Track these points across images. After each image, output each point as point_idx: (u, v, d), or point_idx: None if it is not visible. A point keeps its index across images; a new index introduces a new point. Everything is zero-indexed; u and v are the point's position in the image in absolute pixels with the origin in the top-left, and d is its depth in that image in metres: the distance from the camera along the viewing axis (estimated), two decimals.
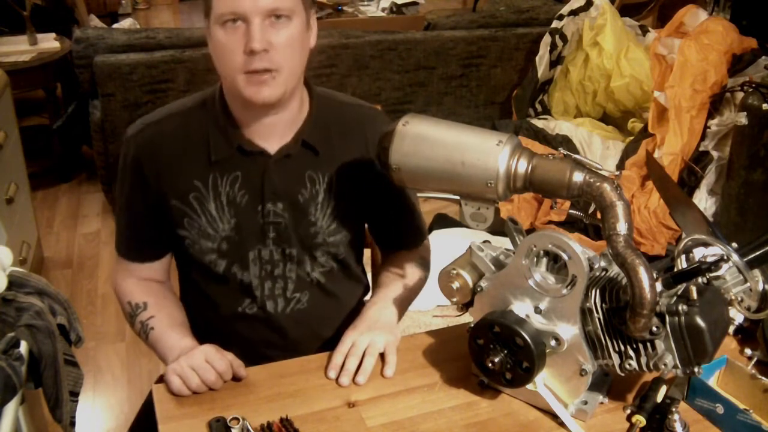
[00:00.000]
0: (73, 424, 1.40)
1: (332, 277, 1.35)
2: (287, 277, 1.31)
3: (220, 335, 1.37)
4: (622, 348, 1.02)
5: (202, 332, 1.43)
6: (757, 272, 1.18)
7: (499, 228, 1.13)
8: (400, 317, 1.32)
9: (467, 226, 1.15)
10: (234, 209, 1.26)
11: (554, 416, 1.07)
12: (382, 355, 1.19)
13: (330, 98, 1.32)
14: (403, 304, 1.33)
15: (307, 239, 1.29)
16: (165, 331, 1.26)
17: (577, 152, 3.33)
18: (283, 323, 1.33)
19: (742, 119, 2.69)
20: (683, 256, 1.21)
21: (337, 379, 1.15)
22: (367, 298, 1.53)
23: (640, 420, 1.04)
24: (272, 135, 1.24)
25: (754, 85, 2.76)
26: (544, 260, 1.05)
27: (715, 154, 2.95)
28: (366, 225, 1.42)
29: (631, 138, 3.37)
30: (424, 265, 1.41)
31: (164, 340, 1.25)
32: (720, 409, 1.06)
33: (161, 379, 1.33)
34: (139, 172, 1.26)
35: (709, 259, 1.14)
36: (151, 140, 1.26)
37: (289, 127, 1.25)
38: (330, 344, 1.26)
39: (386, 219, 1.39)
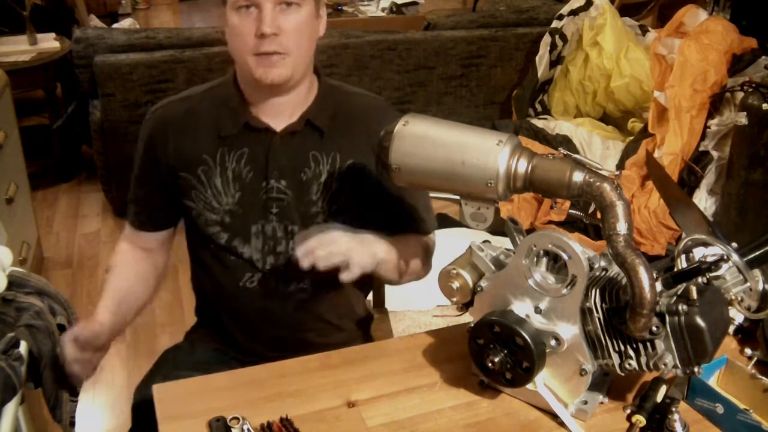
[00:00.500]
0: (73, 424, 1.40)
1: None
2: (290, 254, 1.33)
3: (224, 310, 1.42)
4: (622, 348, 1.02)
5: (207, 307, 1.49)
6: (757, 272, 1.18)
7: (499, 228, 1.13)
8: (387, 261, 1.28)
9: (467, 226, 1.15)
10: (239, 184, 1.31)
11: (554, 416, 1.07)
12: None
13: (338, 87, 1.39)
14: (393, 255, 1.29)
15: (308, 218, 1.32)
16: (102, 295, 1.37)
17: (577, 152, 3.33)
18: (283, 300, 1.35)
19: (742, 119, 2.69)
20: (683, 256, 1.21)
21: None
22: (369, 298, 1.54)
23: (640, 420, 1.04)
24: (280, 114, 1.31)
25: (754, 85, 2.76)
26: (544, 260, 1.05)
27: (715, 154, 2.95)
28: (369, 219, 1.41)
29: (631, 138, 3.37)
30: (427, 253, 1.40)
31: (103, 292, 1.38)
32: (720, 409, 1.06)
33: (155, 369, 1.36)
34: (152, 148, 1.35)
35: (709, 259, 1.14)
36: (164, 117, 1.35)
37: (296, 108, 1.31)
38: (329, 325, 1.28)
39: (390, 207, 1.39)
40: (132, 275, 1.41)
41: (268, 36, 1.20)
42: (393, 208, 1.40)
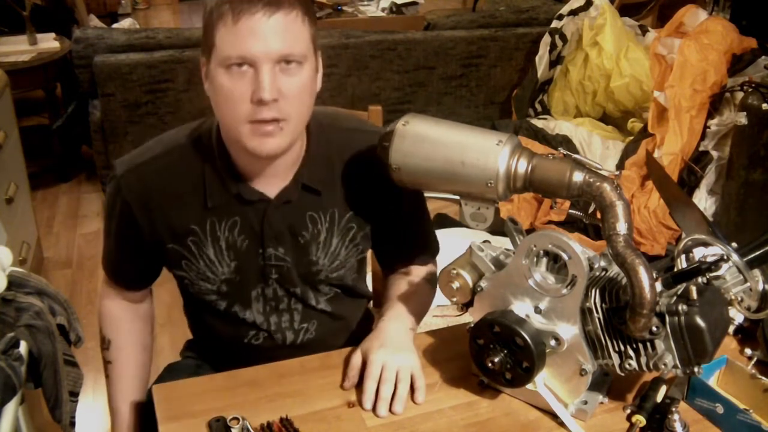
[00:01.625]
0: (73, 424, 1.40)
1: (338, 302, 1.31)
2: (293, 309, 1.28)
3: (227, 359, 1.33)
4: (622, 348, 1.02)
5: (209, 353, 1.42)
6: (757, 272, 1.18)
7: (499, 228, 1.13)
8: (413, 336, 1.22)
9: (467, 226, 1.15)
10: (234, 253, 1.21)
11: (554, 416, 1.07)
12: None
13: (329, 126, 1.23)
14: (415, 324, 1.25)
15: (309, 276, 1.25)
16: (113, 392, 1.33)
17: (577, 152, 3.33)
18: (292, 351, 1.28)
19: (742, 119, 2.69)
20: (683, 256, 1.21)
21: (373, 409, 1.08)
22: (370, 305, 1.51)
23: (640, 420, 1.04)
24: (272, 178, 1.18)
25: (754, 85, 2.76)
26: (544, 260, 1.05)
27: (715, 154, 2.95)
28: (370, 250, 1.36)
29: (631, 138, 3.37)
30: (432, 281, 1.35)
31: (111, 401, 1.34)
32: (720, 409, 1.06)
33: (160, 379, 1.34)
34: (129, 215, 1.20)
35: (709, 259, 1.14)
36: (141, 183, 1.18)
37: (288, 168, 1.18)
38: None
39: (392, 241, 1.32)
40: (134, 350, 1.34)
41: (268, 103, 1.03)
42: (399, 243, 1.33)
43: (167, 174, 1.18)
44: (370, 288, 1.49)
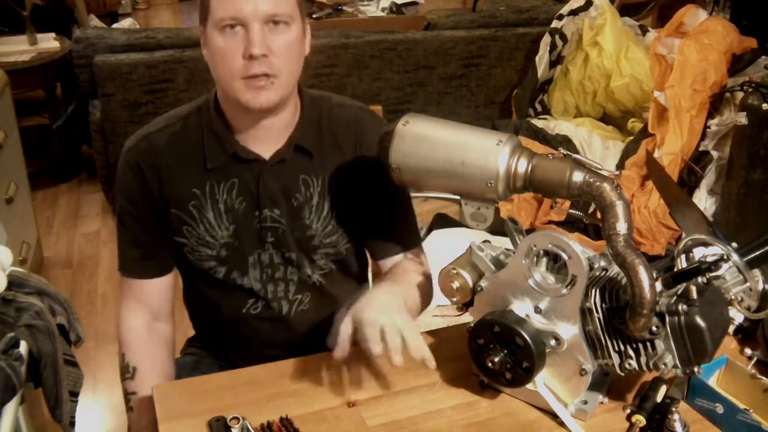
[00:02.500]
0: (73, 424, 1.40)
1: (332, 279, 1.34)
2: (289, 279, 1.31)
3: (224, 336, 1.38)
4: (622, 348, 1.02)
5: (206, 332, 1.45)
6: (757, 272, 1.18)
7: (499, 228, 1.13)
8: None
9: (467, 226, 1.15)
10: (232, 216, 1.26)
11: (554, 416, 1.07)
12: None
13: (322, 100, 1.32)
14: (412, 303, 1.22)
15: (304, 242, 1.29)
16: (138, 426, 1.28)
17: (577, 152, 3.33)
18: (287, 323, 1.33)
19: (742, 119, 2.69)
20: (683, 256, 1.21)
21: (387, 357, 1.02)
22: None
23: (640, 420, 1.04)
24: (266, 140, 1.25)
25: (754, 85, 2.76)
26: (544, 260, 1.05)
27: (715, 154, 2.95)
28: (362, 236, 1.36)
29: (631, 138, 3.37)
30: (428, 277, 1.32)
31: None
32: (720, 409, 1.06)
33: None
34: (141, 180, 1.26)
35: (709, 259, 1.14)
36: (150, 149, 1.26)
37: (282, 131, 1.25)
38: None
39: (378, 220, 1.35)
40: (157, 373, 1.31)
41: (258, 57, 1.12)
42: (384, 225, 1.35)
43: (172, 140, 1.26)
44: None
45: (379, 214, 1.34)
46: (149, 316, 1.33)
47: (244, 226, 1.26)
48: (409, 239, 1.37)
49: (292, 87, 1.22)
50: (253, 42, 1.12)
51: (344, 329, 1.08)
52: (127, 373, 1.30)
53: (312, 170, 1.27)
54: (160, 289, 1.34)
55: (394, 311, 1.08)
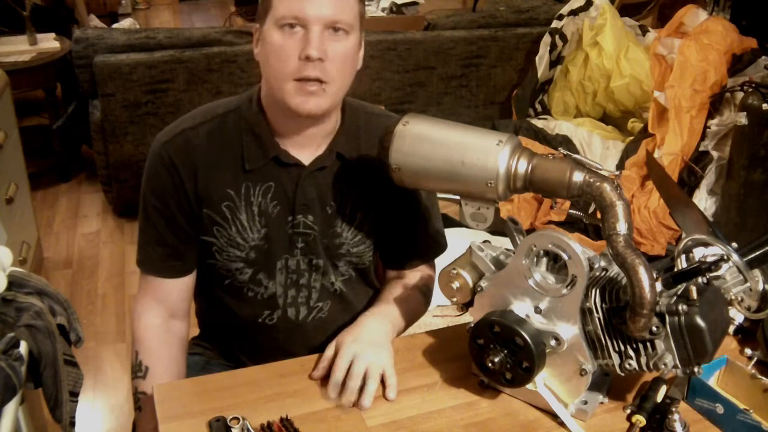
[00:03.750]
0: (73, 424, 1.40)
1: (351, 286, 1.34)
2: (312, 286, 1.30)
3: (237, 341, 1.37)
4: (622, 348, 1.02)
5: (216, 336, 1.43)
6: (757, 272, 1.18)
7: (499, 228, 1.13)
8: (393, 337, 1.24)
9: (467, 226, 1.15)
10: (265, 219, 1.24)
11: (554, 416, 1.07)
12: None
13: (359, 108, 1.31)
14: (399, 328, 1.28)
15: (332, 249, 1.29)
16: (146, 427, 1.25)
17: (577, 152, 3.33)
18: (303, 331, 1.32)
19: (742, 119, 2.69)
20: (683, 256, 1.21)
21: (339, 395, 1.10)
22: None
23: (640, 420, 1.04)
24: (307, 146, 1.24)
25: (754, 85, 2.76)
26: (544, 260, 1.05)
27: (715, 154, 2.95)
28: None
29: (631, 138, 3.37)
30: (426, 293, 1.37)
31: None
32: (720, 409, 1.06)
33: None
34: (175, 175, 1.22)
35: (709, 259, 1.14)
36: (186, 145, 1.22)
37: (324, 138, 1.24)
38: None
39: (403, 232, 1.35)
40: (170, 375, 1.29)
41: (314, 60, 1.10)
42: (401, 237, 1.36)
43: (209, 138, 1.23)
44: None
45: (404, 225, 1.34)
46: (166, 313, 1.30)
47: (276, 230, 1.25)
48: (425, 253, 1.39)
49: (341, 97, 1.21)
50: (311, 43, 1.10)
51: (327, 352, 1.16)
52: (139, 372, 1.28)
53: (349, 179, 1.26)
54: (181, 288, 1.31)
55: (374, 344, 1.16)
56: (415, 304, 1.33)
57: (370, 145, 1.26)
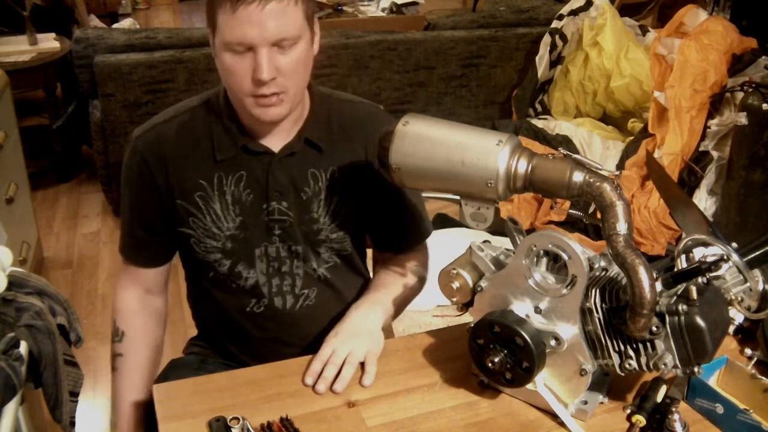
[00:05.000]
0: (73, 424, 1.40)
1: (337, 273, 1.35)
2: (295, 273, 1.32)
3: (230, 333, 1.39)
4: (622, 348, 1.02)
5: (211, 332, 1.45)
6: (757, 272, 1.18)
7: (499, 228, 1.13)
8: (386, 323, 1.28)
9: (467, 226, 1.15)
10: (239, 207, 1.27)
11: (554, 416, 1.07)
12: (362, 364, 1.17)
13: (330, 96, 1.34)
14: (391, 310, 1.31)
15: (311, 235, 1.30)
16: (120, 386, 1.35)
17: (577, 152, 3.33)
18: (292, 319, 1.34)
19: (742, 119, 2.69)
20: (683, 256, 1.21)
21: (313, 387, 1.13)
22: None
23: (640, 420, 1.04)
24: (276, 134, 1.26)
25: (754, 85, 2.76)
26: (544, 260, 1.05)
27: (715, 154, 2.95)
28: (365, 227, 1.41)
29: (631, 138, 3.37)
30: (420, 273, 1.39)
31: (117, 394, 1.35)
32: (720, 409, 1.06)
33: (161, 379, 1.34)
34: (146, 170, 1.27)
35: (709, 259, 1.14)
36: (157, 139, 1.27)
37: (293, 126, 1.27)
38: None
39: (385, 217, 1.38)
40: (146, 347, 1.37)
41: (266, 82, 1.13)
42: (389, 224, 1.38)
43: (180, 131, 1.27)
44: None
45: (386, 211, 1.36)
46: (142, 291, 1.38)
47: (252, 218, 1.27)
48: (412, 236, 1.41)
49: (302, 94, 1.24)
50: (260, 68, 1.12)
51: (319, 354, 1.18)
52: (116, 336, 1.36)
53: (321, 164, 1.29)
54: (156, 274, 1.38)
55: (356, 335, 1.20)
56: (409, 287, 1.34)
57: (344, 130, 1.30)
